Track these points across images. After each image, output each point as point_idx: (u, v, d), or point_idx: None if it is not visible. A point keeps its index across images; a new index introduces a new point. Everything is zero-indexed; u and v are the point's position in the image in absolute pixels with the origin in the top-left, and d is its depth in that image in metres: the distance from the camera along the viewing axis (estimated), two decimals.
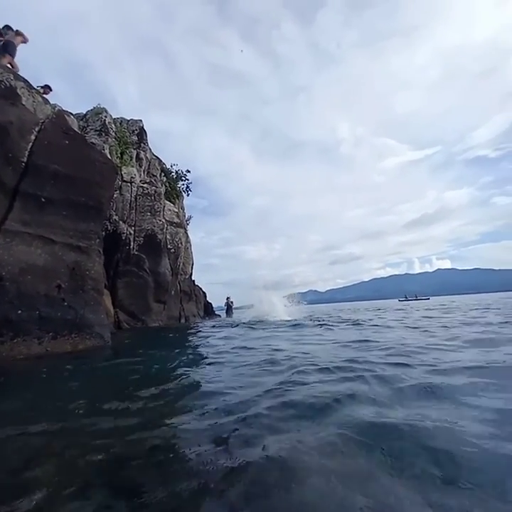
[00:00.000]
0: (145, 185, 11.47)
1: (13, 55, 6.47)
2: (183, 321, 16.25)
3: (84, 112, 10.65)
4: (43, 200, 5.78)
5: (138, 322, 11.15)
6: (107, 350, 5.56)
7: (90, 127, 9.91)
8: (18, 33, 6.65)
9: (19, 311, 4.83)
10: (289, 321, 10.68)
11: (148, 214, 11.55)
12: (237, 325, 10.11)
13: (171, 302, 14.63)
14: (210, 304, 24.26)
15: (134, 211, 11.04)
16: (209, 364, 3.83)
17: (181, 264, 16.12)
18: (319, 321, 9.83)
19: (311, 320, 10.49)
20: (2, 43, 6.43)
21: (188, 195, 18.27)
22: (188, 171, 17.58)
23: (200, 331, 8.96)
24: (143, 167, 12.14)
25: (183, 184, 17.46)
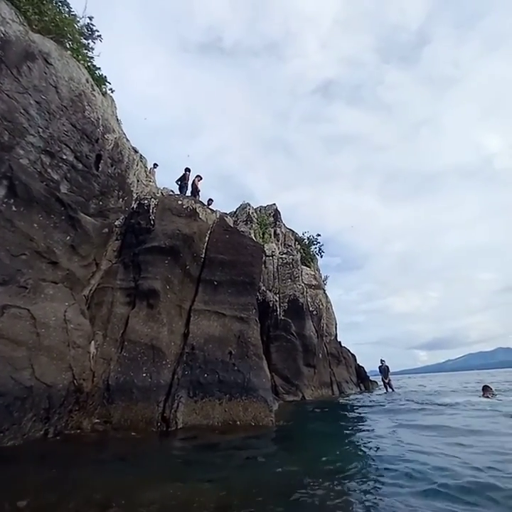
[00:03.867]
0: (283, 255, 12.94)
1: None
2: (335, 388, 15.24)
3: (235, 210, 13.90)
4: (215, 283, 7.47)
5: (292, 387, 11.36)
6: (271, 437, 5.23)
7: (239, 219, 12.67)
8: (199, 176, 10.54)
9: (206, 375, 5.99)
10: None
11: (289, 280, 12.64)
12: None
13: (320, 366, 14.28)
14: (363, 367, 21.90)
15: (276, 280, 12.40)
16: None
17: (324, 324, 16.00)
18: None
19: None
20: (193, 188, 10.26)
21: (321, 256, 19.04)
22: (319, 235, 18.73)
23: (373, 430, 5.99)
24: (280, 241, 13.94)
25: (316, 247, 18.51)
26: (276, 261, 12.57)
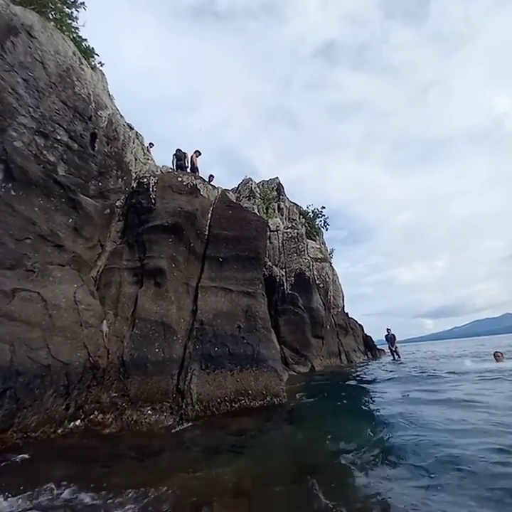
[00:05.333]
0: (288, 230, 12.81)
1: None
2: (343, 357, 15.67)
3: (237, 186, 13.61)
4: (220, 259, 7.48)
5: (301, 358, 11.69)
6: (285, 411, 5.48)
7: (242, 195, 12.44)
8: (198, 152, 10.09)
9: (216, 349, 6.16)
10: None
11: (295, 255, 12.60)
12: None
13: (328, 337, 14.59)
14: (370, 337, 22.36)
15: (282, 255, 12.36)
16: None
17: (332, 297, 16.13)
18: None
19: None
20: (191, 165, 9.82)
21: (326, 229, 18.83)
22: (324, 208, 18.39)
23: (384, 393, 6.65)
24: (284, 215, 13.75)
25: (321, 220, 18.25)
26: (281, 236, 12.45)
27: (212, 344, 6.20)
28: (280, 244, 12.37)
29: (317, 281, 14.18)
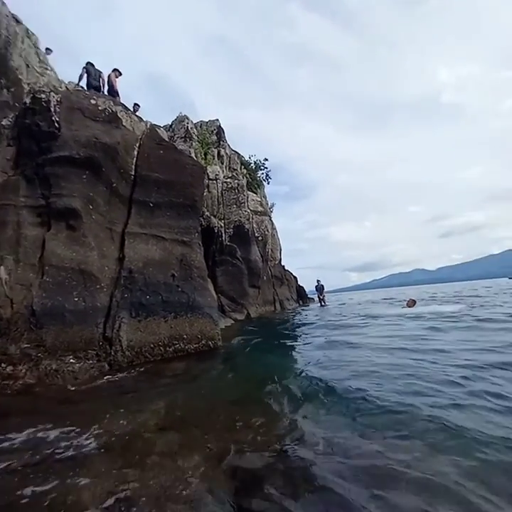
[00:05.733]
0: (228, 180, 12.27)
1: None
2: (277, 305, 16.91)
3: (170, 123, 12.08)
4: (151, 205, 6.82)
5: (238, 306, 12.19)
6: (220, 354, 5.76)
7: (176, 135, 11.17)
8: (117, 71, 8.13)
9: (148, 297, 5.89)
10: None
11: (235, 206, 12.33)
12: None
13: (264, 287, 15.39)
14: (302, 287, 24.46)
15: (221, 205, 11.98)
16: None
17: (270, 250, 16.71)
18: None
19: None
20: (109, 87, 7.95)
21: (268, 183, 18.70)
22: (266, 160, 17.97)
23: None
24: (224, 163, 13.00)
25: (263, 173, 17.94)
26: (220, 185, 11.90)
27: (143, 292, 5.90)
28: (219, 195, 11.88)
29: (256, 234, 14.36)
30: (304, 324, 9.47)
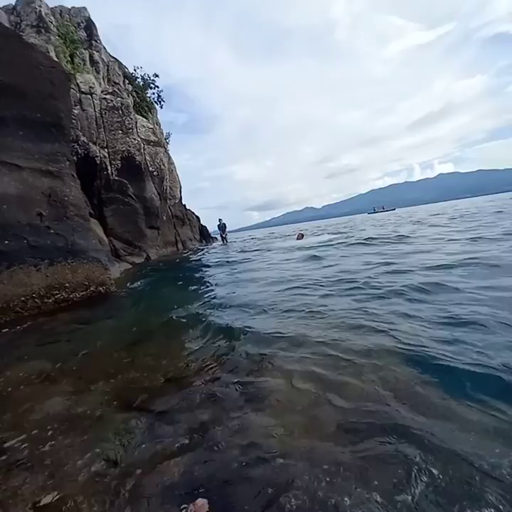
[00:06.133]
0: (108, 96, 9.96)
1: None
2: (180, 246, 16.52)
3: (14, 3, 8.34)
4: None
5: (135, 249, 11.29)
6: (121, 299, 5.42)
7: (24, 23, 7.95)
8: None
9: (6, 242, 4.74)
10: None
11: (120, 132, 10.40)
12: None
13: (164, 228, 14.59)
14: (205, 227, 24.39)
15: (102, 130, 9.88)
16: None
17: (168, 187, 15.46)
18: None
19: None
20: None
21: (161, 107, 16.16)
22: (157, 75, 15.12)
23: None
24: (101, 73, 10.31)
25: (154, 93, 15.23)
26: (98, 102, 9.55)
27: None
28: (98, 115, 9.63)
29: (150, 169, 12.84)
30: (204, 263, 9.69)
